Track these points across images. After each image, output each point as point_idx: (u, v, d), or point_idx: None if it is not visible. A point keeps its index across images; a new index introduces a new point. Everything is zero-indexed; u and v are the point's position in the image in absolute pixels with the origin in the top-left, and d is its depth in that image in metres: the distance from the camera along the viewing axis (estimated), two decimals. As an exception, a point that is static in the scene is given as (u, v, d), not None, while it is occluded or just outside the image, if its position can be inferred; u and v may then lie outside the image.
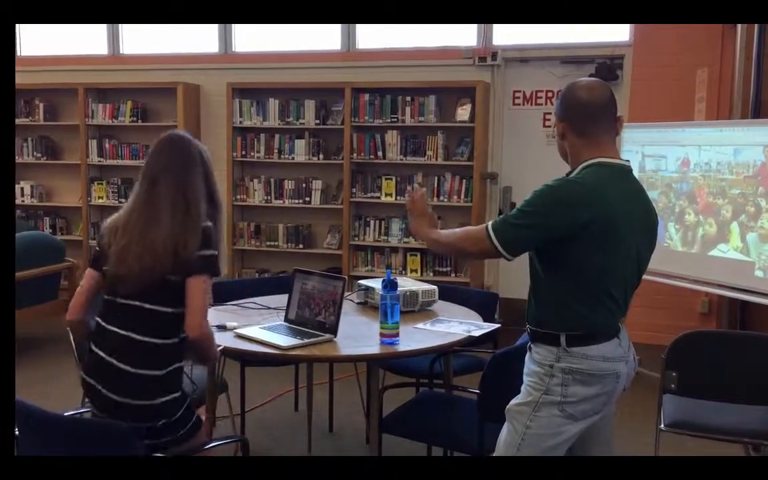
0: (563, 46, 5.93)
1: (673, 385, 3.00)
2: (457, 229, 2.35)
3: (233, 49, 6.72)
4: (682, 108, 5.47)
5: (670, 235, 4.74)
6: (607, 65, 5.75)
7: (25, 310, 5.21)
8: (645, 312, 5.43)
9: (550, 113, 6.00)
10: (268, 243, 6.46)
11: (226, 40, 6.69)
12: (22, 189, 6.96)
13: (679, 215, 4.68)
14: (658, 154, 4.80)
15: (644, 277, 2.24)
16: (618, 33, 5.82)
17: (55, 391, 4.47)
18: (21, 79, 6.73)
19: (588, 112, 2.14)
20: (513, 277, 5.97)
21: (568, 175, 2.18)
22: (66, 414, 2.53)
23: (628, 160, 2.21)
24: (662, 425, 3.03)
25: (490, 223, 2.13)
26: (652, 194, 4.82)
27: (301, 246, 6.38)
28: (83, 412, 3.01)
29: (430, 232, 2.40)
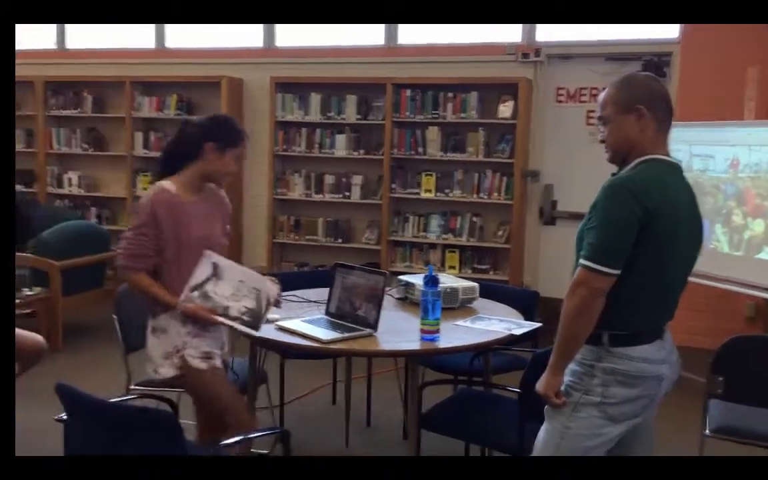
0: (608, 43, 5.83)
1: (719, 390, 2.94)
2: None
3: (276, 44, 6.77)
4: (731, 107, 5.33)
5: (717, 237, 4.63)
6: (654, 62, 5.64)
7: (71, 298, 5.34)
8: (689, 315, 5.27)
9: (593, 111, 5.90)
10: (307, 237, 6.50)
11: (269, 34, 6.75)
12: (69, 179, 7.12)
13: (726, 217, 4.57)
14: (706, 153, 4.69)
15: (689, 279, 2.19)
16: (666, 30, 5.70)
17: (98, 377, 4.56)
18: (70, 71, 6.91)
19: (669, 108, 2.14)
20: (552, 276, 5.91)
21: (619, 171, 2.14)
22: (111, 400, 2.58)
23: (680, 160, 2.17)
24: (707, 430, 2.97)
25: (582, 262, 2.02)
26: (699, 195, 4.73)
27: (340, 240, 6.41)
28: (127, 398, 3.08)
29: (552, 362, 2.13)
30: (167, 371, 2.71)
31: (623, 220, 1.99)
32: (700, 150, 4.72)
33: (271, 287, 2.77)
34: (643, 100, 2.08)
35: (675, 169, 2.13)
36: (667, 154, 2.13)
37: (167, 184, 2.70)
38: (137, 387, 3.20)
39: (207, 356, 2.72)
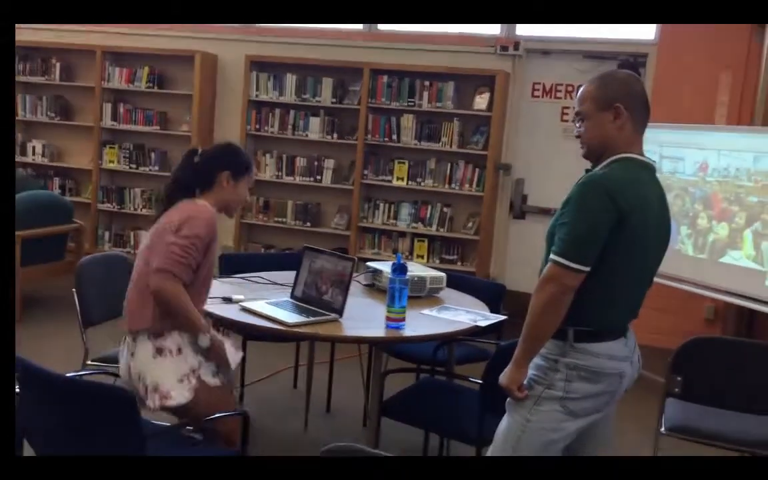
0: (586, 41, 5.85)
1: (677, 390, 2.98)
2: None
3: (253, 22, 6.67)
4: (703, 111, 5.40)
5: (682, 239, 4.69)
6: (630, 63, 5.68)
7: (31, 269, 5.22)
8: (650, 314, 5.32)
9: (568, 107, 5.93)
10: (276, 219, 6.44)
11: (245, 11, 6.64)
12: (33, 147, 6.95)
13: (692, 219, 4.63)
14: (676, 156, 4.74)
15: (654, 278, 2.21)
16: (643, 31, 5.74)
17: (55, 350, 4.47)
18: (39, 36, 6.71)
19: (646, 105, 2.13)
20: (520, 270, 5.94)
21: (593, 167, 2.13)
22: (67, 375, 2.52)
23: (654, 161, 2.17)
24: (663, 429, 3.01)
25: (553, 258, 2.00)
26: (667, 196, 4.78)
27: (309, 224, 6.36)
28: (84, 373, 3.01)
29: (516, 355, 2.12)
30: (181, 395, 2.48)
31: (597, 217, 1.99)
32: (671, 152, 4.77)
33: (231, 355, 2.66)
34: (622, 99, 2.08)
35: (649, 169, 2.14)
36: (642, 154, 2.14)
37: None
38: (94, 362, 3.13)
39: (217, 373, 2.60)
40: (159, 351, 2.50)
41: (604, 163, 2.10)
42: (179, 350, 2.51)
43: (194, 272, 2.52)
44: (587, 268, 2.00)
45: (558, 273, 2.00)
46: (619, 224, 1.99)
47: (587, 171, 2.13)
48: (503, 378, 2.13)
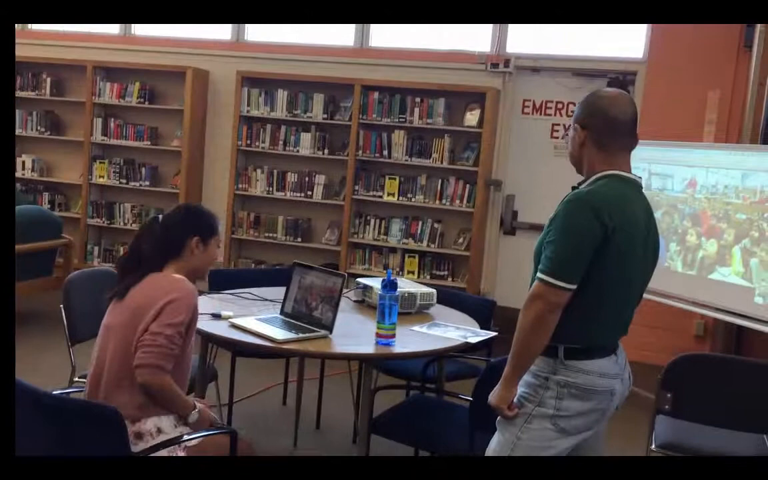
0: (576, 59, 5.90)
1: (667, 406, 2.97)
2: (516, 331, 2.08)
3: (245, 38, 6.69)
4: (691, 128, 5.44)
5: (671, 256, 4.71)
6: (619, 80, 5.73)
7: (19, 284, 5.14)
8: (640, 330, 5.35)
9: (558, 124, 5.97)
10: (266, 234, 6.43)
11: (238, 27, 6.66)
12: (23, 162, 6.91)
13: (681, 236, 4.65)
14: (665, 173, 4.77)
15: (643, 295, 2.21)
16: (632, 49, 5.79)
17: (43, 366, 4.44)
18: (29, 52, 6.70)
19: (612, 126, 2.12)
20: (510, 286, 5.95)
21: (579, 184, 2.15)
22: (54, 392, 2.49)
23: (640, 177, 2.18)
24: (653, 446, 3.01)
25: (539, 276, 2.01)
26: (656, 213, 4.81)
27: (299, 240, 6.35)
28: (71, 391, 2.98)
29: (505, 374, 2.12)
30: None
31: (582, 235, 2.00)
32: (659, 169, 4.80)
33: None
34: (582, 119, 2.14)
35: (634, 185, 2.15)
36: (629, 171, 2.15)
37: None
38: (82, 379, 3.10)
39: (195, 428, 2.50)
40: (138, 436, 2.35)
41: (590, 180, 2.12)
42: (158, 430, 2.39)
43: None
44: (573, 286, 2.00)
45: (544, 291, 2.00)
46: (605, 241, 2.00)
47: (574, 188, 2.14)
48: (493, 397, 2.12)
